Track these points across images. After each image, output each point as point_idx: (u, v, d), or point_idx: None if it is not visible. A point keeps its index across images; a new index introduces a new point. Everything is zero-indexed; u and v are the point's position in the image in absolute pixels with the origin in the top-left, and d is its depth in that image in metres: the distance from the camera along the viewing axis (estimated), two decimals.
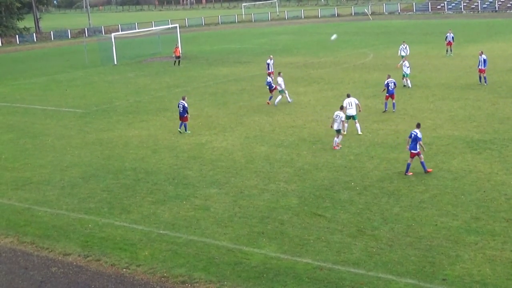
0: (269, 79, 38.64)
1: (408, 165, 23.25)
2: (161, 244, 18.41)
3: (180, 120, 31.59)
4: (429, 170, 23.18)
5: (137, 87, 47.74)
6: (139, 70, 58.21)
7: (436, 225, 18.57)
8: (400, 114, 32.99)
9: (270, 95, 37.79)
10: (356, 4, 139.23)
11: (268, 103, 37.55)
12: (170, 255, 17.64)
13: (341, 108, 27.83)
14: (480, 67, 39.96)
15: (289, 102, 37.44)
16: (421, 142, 23.09)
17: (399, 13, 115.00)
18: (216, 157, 26.99)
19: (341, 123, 27.10)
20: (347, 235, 18.21)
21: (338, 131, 27.13)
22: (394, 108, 33.62)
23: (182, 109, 31.17)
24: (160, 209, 21.22)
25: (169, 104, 39.19)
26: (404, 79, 40.41)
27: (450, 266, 16.01)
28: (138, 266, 17.13)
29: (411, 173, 23.11)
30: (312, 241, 17.97)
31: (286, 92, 37.58)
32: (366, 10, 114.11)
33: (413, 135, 23.02)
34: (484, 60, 39.49)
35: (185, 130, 31.53)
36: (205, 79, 50.16)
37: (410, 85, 40.25)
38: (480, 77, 40.40)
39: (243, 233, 18.79)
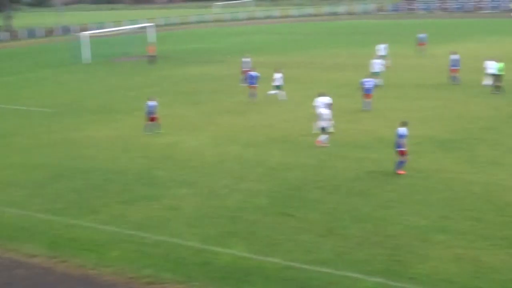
0: (256, 74, 38.40)
1: (401, 163, 23.03)
2: (129, 244, 18.20)
3: (149, 121, 31.26)
4: (401, 172, 23.09)
5: (108, 86, 47.31)
6: (111, 69, 57.73)
7: (405, 224, 18.66)
8: (372, 113, 33.14)
9: (250, 91, 38.00)
10: (330, 4, 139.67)
11: (253, 99, 37.92)
12: (139, 255, 17.45)
13: (329, 106, 27.89)
14: (451, 67, 40.34)
15: (271, 94, 37.74)
16: (401, 140, 22.96)
17: (372, 13, 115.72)
18: (187, 157, 26.82)
19: (327, 121, 27.19)
20: (316, 235, 18.19)
21: (323, 129, 27.18)
22: (368, 107, 33.71)
23: (150, 110, 30.93)
24: (129, 209, 20.99)
25: (141, 104, 38.63)
26: (376, 78, 40.48)
27: (418, 265, 16.08)
28: (106, 267, 16.90)
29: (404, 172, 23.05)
30: (281, 240, 17.92)
31: (279, 90, 37.85)
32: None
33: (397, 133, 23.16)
34: (456, 60, 39.87)
35: (157, 130, 31.25)
36: (178, 78, 49.90)
37: (381, 84, 40.33)
38: (451, 77, 40.77)
39: (213, 233, 18.68)
